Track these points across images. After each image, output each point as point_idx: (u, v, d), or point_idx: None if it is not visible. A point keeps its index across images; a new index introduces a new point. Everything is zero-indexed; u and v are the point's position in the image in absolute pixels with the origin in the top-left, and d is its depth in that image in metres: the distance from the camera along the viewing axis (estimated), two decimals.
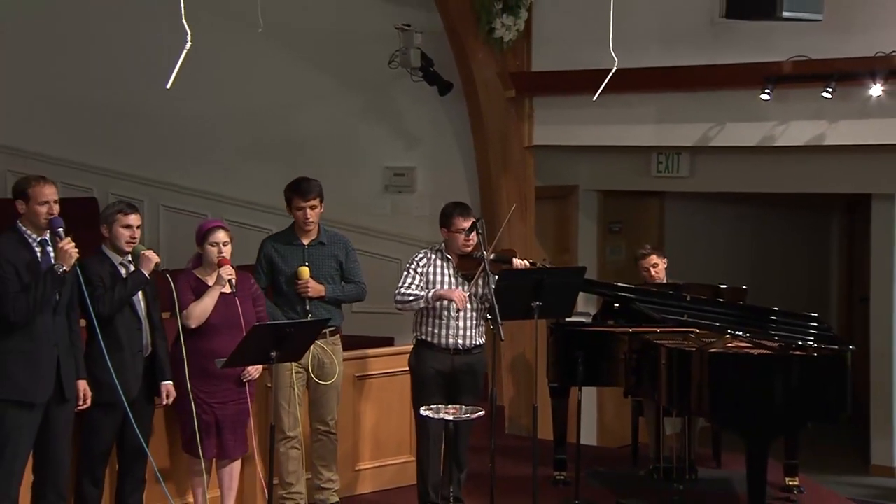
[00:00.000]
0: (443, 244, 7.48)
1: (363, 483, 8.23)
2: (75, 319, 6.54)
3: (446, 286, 7.38)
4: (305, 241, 7.54)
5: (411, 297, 7.34)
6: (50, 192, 6.44)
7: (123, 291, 6.69)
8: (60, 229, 6.35)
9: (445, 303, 7.33)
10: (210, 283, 7.08)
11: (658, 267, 8.82)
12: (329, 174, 10.32)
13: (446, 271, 7.42)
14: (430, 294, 7.33)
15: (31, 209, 6.40)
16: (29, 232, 6.41)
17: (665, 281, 8.83)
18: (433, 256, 7.46)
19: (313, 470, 7.72)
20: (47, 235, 6.42)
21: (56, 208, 6.42)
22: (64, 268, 6.30)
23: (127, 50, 11.28)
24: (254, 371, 7.16)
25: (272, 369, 7.30)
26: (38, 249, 6.41)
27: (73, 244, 6.32)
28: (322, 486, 7.69)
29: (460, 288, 7.39)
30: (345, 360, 8.01)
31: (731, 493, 8.24)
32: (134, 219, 6.84)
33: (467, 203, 7.73)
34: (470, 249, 7.38)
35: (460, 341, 7.40)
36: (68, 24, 11.74)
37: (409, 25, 10.31)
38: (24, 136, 11.93)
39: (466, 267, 7.40)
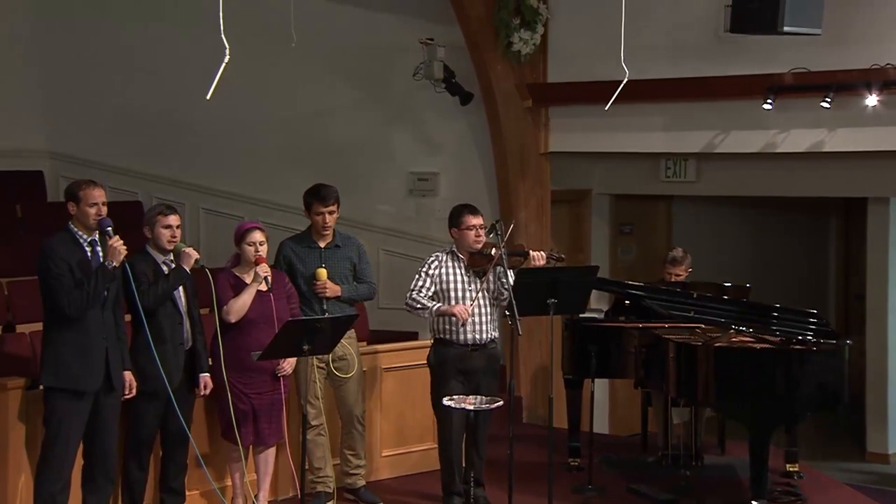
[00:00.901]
0: (453, 245, 7.47)
1: (388, 469, 8.24)
2: (121, 314, 6.59)
3: (459, 284, 7.36)
4: (322, 244, 7.55)
5: (418, 307, 7.35)
6: (99, 195, 6.48)
7: (166, 286, 6.72)
8: (109, 228, 6.39)
9: (423, 316, 7.37)
10: (247, 280, 7.10)
11: (680, 277, 8.77)
12: (358, 179, 10.38)
13: (458, 270, 7.40)
14: (434, 309, 7.33)
15: (81, 210, 6.44)
16: (80, 232, 6.45)
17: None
18: (445, 258, 7.44)
19: (342, 457, 7.73)
20: (97, 236, 6.46)
21: (104, 209, 6.46)
22: (113, 264, 6.34)
23: (170, 64, 11.32)
24: (287, 367, 7.18)
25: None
26: (88, 249, 6.45)
27: (122, 242, 6.37)
28: (350, 471, 7.71)
29: (472, 286, 7.38)
30: (372, 353, 8.02)
31: (735, 479, 8.22)
32: (173, 219, 6.87)
33: (484, 206, 7.72)
34: (480, 246, 7.38)
35: (477, 336, 7.40)
36: (116, 40, 11.79)
37: (432, 40, 10.32)
38: (75, 144, 11.98)
39: (477, 263, 7.39)
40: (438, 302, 7.35)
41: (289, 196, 10.88)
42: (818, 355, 7.28)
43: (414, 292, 7.36)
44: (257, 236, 7.13)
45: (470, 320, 7.36)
